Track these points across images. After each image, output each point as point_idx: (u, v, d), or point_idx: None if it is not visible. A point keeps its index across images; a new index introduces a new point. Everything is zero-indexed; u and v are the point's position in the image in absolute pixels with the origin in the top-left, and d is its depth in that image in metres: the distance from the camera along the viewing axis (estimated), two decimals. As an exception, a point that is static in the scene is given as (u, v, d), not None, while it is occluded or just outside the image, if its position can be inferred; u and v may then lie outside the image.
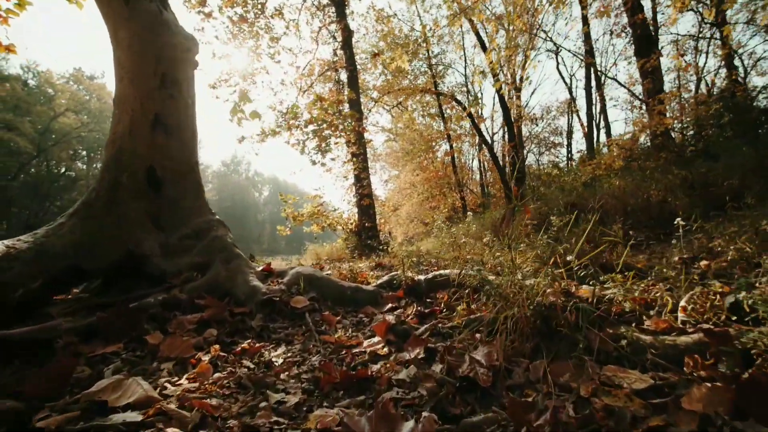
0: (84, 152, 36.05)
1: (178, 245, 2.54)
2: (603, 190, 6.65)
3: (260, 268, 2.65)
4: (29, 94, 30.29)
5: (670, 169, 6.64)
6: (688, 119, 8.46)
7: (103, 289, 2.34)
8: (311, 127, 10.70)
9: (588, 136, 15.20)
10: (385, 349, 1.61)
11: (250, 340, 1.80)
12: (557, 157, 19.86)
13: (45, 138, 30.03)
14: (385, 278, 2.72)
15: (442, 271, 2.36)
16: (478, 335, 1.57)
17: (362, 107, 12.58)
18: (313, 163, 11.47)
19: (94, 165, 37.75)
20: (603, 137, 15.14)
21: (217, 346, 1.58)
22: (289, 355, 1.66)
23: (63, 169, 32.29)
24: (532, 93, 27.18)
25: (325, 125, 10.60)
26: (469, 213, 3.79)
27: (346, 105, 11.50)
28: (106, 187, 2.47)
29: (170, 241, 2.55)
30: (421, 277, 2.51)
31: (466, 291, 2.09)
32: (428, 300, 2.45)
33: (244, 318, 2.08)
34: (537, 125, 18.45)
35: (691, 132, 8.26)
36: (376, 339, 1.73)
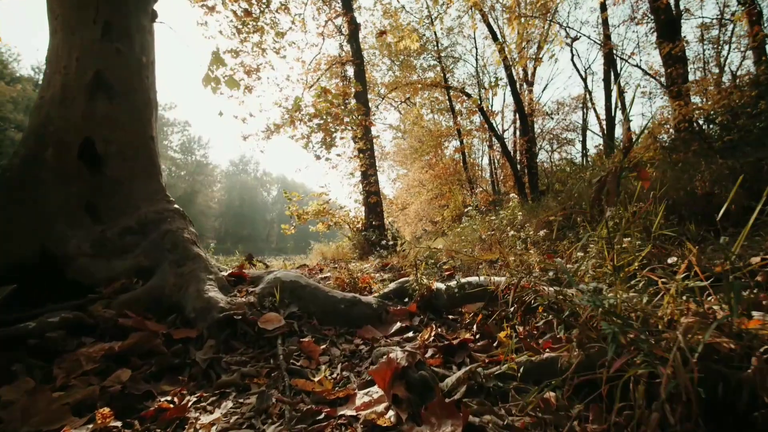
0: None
1: (116, 242, 1.92)
2: (633, 184, 5.95)
3: (227, 272, 2.01)
4: (39, 94, 30.45)
5: (714, 159, 5.90)
6: (719, 108, 7.67)
7: (9, 302, 1.72)
8: (316, 121, 10.21)
9: (608, 129, 14.28)
10: (391, 416, 0.95)
11: (181, 388, 1.16)
12: (570, 153, 18.94)
13: (54, 138, 30.09)
14: (393, 286, 2.06)
15: (473, 279, 1.68)
16: (552, 396, 0.89)
17: (369, 104, 11.98)
18: (317, 157, 10.91)
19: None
20: (618, 132, 14.25)
21: (106, 410, 0.94)
22: (232, 420, 1.00)
23: (72, 169, 32.35)
24: (544, 88, 26.13)
25: (330, 118, 10.09)
26: (513, 196, 2.99)
27: (353, 100, 10.92)
28: (20, 166, 1.86)
29: (107, 236, 1.93)
30: (441, 286, 1.84)
31: (511, 309, 1.41)
32: (451, 317, 1.78)
33: (189, 346, 1.44)
34: (552, 118, 17.55)
35: (718, 121, 7.51)
36: (377, 392, 1.06)
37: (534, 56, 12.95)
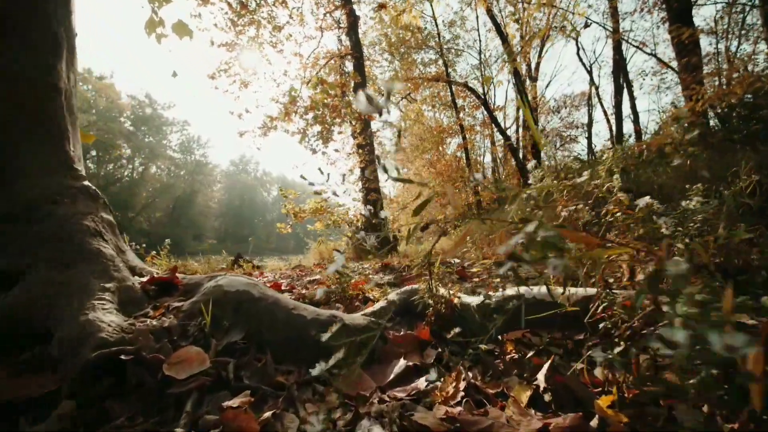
0: (93, 151, 35.79)
1: (-22, 233, 1.28)
2: (659, 174, 5.33)
3: (145, 278, 1.36)
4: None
5: (737, 151, 5.32)
6: (736, 99, 7.10)
7: None
8: (312, 114, 9.70)
9: (617, 122, 13.59)
10: None
11: None
12: (573, 151, 18.30)
13: (50, 137, 29.54)
14: (395, 297, 1.41)
15: (539, 290, 1.02)
16: None
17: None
18: (314, 152, 10.34)
19: (104, 165, 37.81)
20: (625, 127, 13.67)
21: None
22: None
23: (69, 169, 31.82)
24: (548, 85, 25.39)
25: (327, 111, 9.54)
26: (604, 149, 1.98)
27: (352, 96, 10.35)
28: None
29: (-31, 224, 1.29)
30: (471, 301, 1.19)
31: (618, 348, 0.77)
32: (484, 348, 1.13)
33: (20, 418, 0.79)
34: (558, 113, 16.89)
35: (738, 112, 6.96)
36: None
37: (550, 30, 12.28)
